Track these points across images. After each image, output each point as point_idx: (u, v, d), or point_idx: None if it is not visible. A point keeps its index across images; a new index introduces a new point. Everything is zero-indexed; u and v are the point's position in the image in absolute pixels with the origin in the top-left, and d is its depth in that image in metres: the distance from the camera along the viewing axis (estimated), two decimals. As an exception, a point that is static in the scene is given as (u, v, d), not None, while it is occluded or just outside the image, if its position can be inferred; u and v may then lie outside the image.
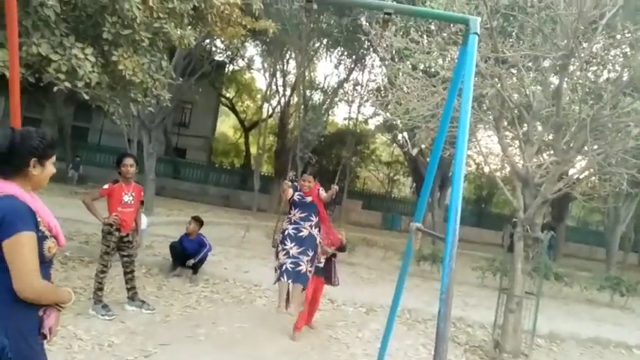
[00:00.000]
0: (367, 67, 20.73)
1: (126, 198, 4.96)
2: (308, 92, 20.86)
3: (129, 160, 5.02)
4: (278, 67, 21.01)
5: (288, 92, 21.89)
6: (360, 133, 25.26)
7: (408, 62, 6.74)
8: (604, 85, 5.52)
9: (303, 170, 5.30)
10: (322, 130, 20.77)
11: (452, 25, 6.07)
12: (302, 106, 20.12)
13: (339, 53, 20.49)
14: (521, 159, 5.74)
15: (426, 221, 14.27)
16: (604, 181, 6.23)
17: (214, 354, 4.24)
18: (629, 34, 5.10)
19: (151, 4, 5.15)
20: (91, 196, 5.05)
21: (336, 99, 22.11)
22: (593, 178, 6.49)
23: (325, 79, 22.20)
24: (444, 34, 6.27)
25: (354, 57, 20.00)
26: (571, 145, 5.43)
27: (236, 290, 6.62)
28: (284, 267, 4.58)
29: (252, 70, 28.50)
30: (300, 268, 4.56)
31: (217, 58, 22.88)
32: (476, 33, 2.35)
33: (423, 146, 7.29)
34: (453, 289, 2.05)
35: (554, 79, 5.67)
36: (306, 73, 20.16)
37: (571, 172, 6.02)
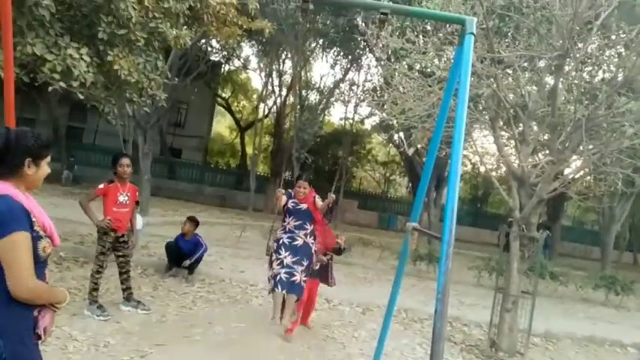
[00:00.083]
0: (363, 67, 20.75)
1: (121, 198, 4.93)
2: (304, 92, 20.84)
3: (126, 160, 4.98)
4: (274, 67, 20.98)
5: (284, 92, 21.87)
6: (356, 133, 25.26)
7: (404, 62, 6.76)
8: (599, 86, 5.55)
9: (298, 176, 5.09)
10: (318, 130, 20.74)
11: (448, 25, 6.09)
12: (298, 106, 20.10)
13: (336, 53, 20.49)
14: (517, 159, 5.76)
15: (422, 221, 14.32)
16: (599, 180, 6.26)
17: (210, 354, 4.22)
18: (624, 35, 5.12)
19: (146, 3, 5.14)
20: (87, 197, 5.03)
21: (332, 99, 22.10)
22: (589, 177, 6.53)
23: (321, 79, 22.34)
24: (440, 35, 6.29)
25: (350, 57, 19.99)
26: (566, 144, 5.45)
27: (232, 290, 6.61)
28: (278, 277, 4.52)
29: (248, 70, 28.56)
30: (294, 278, 4.50)
31: (213, 58, 22.84)
32: (472, 33, 2.35)
33: (419, 146, 7.29)
34: (449, 288, 2.05)
35: (550, 80, 5.69)
36: (302, 73, 20.15)
37: (566, 171, 6.04)
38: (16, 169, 1.77)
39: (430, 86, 6.07)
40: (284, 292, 4.48)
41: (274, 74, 21.33)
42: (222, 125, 38.33)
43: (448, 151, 5.61)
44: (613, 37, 5.62)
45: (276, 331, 4.97)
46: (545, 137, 6.04)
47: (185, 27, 6.33)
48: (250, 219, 16.85)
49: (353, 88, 21.90)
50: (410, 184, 26.08)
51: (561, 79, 5.39)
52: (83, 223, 8.33)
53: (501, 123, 6.24)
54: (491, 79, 5.39)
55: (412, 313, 6.73)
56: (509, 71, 6.24)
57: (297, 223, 4.78)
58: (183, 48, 6.45)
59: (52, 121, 21.21)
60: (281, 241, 4.73)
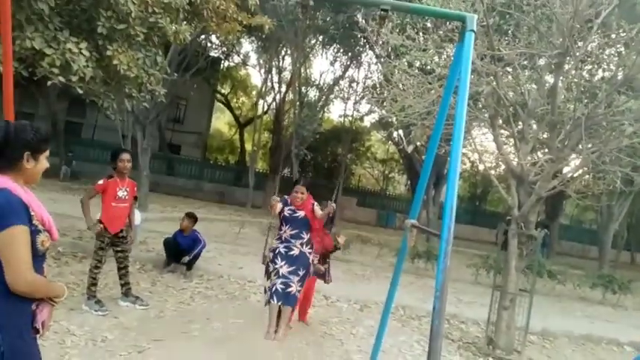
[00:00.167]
0: (363, 64, 20.76)
1: (120, 193, 4.92)
2: (303, 89, 20.83)
3: (126, 156, 4.97)
4: (273, 63, 20.94)
5: (283, 89, 21.85)
6: (355, 131, 25.27)
7: (404, 59, 6.75)
8: (599, 84, 5.55)
9: (296, 181, 4.89)
10: (317, 127, 20.74)
11: (448, 22, 6.08)
12: (297, 103, 20.08)
13: (335, 50, 20.48)
14: (516, 157, 5.76)
15: (420, 218, 14.29)
16: (598, 179, 6.27)
17: (208, 350, 4.23)
18: (624, 33, 5.12)
19: (146, -2, 5.13)
20: (88, 194, 5.02)
21: (332, 96, 22.09)
22: (588, 176, 6.54)
23: (321, 75, 22.17)
24: (441, 32, 6.27)
25: (349, 54, 19.99)
26: (566, 143, 5.46)
27: (230, 286, 6.61)
28: (274, 288, 4.49)
29: (247, 67, 28.48)
30: (290, 289, 4.47)
31: (212, 54, 22.81)
32: (472, 30, 2.35)
33: (418, 144, 7.28)
34: (447, 286, 2.06)
35: (550, 78, 5.68)
36: (302, 70, 20.12)
37: (565, 170, 6.04)
38: (15, 162, 1.76)
39: (430, 83, 6.07)
40: (279, 303, 4.47)
41: (274, 70, 21.30)
42: (221, 121, 38.31)
43: (447, 149, 5.61)
44: (613, 35, 5.62)
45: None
46: (545, 135, 6.04)
47: (185, 22, 6.31)
48: (249, 215, 16.85)
49: (352, 85, 21.92)
50: (409, 182, 26.14)
51: (561, 78, 5.39)
52: (81, 219, 8.25)
53: (501, 121, 6.25)
54: (491, 77, 5.38)
55: (410, 310, 6.74)
56: (509, 69, 6.23)
57: (293, 232, 4.66)
58: (182, 43, 6.43)
59: (50, 116, 21.16)
60: (277, 251, 4.64)
